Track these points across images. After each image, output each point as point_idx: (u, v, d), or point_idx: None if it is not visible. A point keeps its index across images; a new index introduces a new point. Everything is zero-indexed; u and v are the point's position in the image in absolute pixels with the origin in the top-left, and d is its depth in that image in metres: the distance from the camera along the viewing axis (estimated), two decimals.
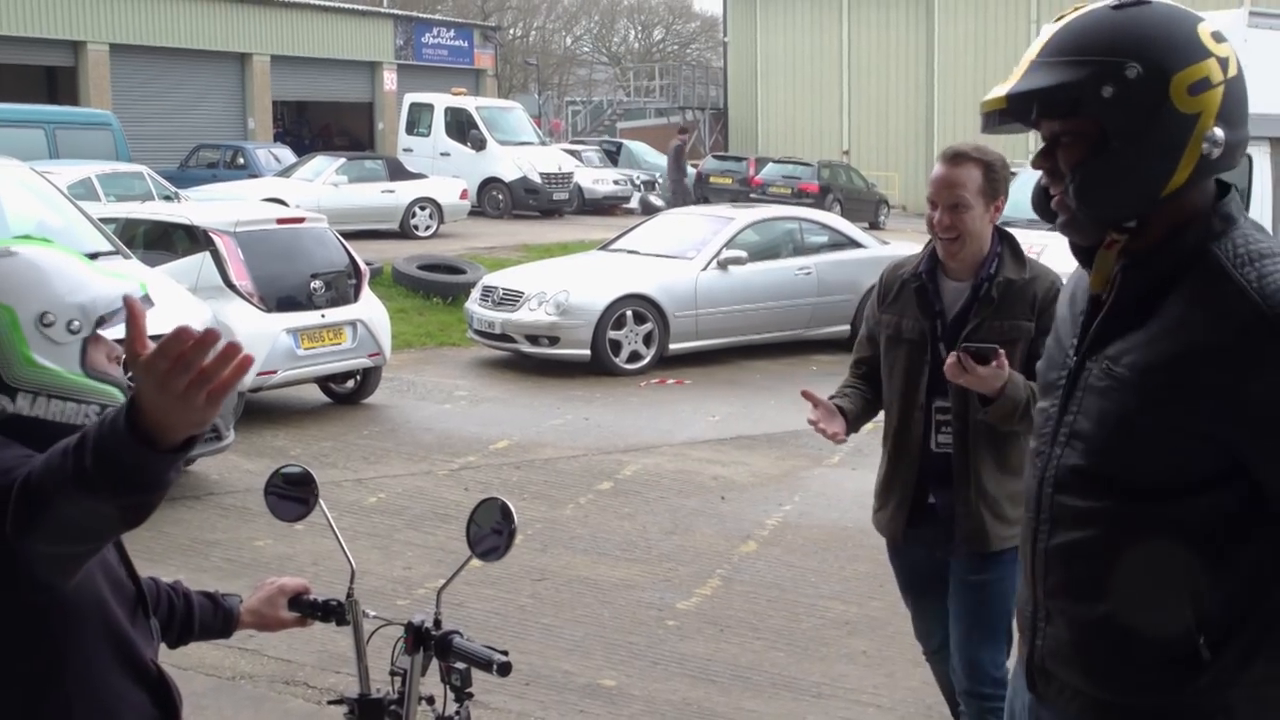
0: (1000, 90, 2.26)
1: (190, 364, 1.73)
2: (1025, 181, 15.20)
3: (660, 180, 36.79)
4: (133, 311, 1.84)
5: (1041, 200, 2.36)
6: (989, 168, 4.06)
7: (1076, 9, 2.29)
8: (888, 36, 43.21)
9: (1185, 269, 2.22)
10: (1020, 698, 2.55)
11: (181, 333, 1.72)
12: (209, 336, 1.73)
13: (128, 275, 2.38)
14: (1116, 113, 2.18)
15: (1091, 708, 2.35)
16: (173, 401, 1.74)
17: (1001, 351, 3.71)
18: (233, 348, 1.75)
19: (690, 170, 30.18)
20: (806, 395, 4.04)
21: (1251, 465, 2.16)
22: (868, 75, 44.14)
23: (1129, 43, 2.19)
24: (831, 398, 4.22)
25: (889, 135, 43.67)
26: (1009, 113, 2.26)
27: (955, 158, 4.05)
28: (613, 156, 40.32)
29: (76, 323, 2.24)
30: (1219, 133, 2.19)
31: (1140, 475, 2.24)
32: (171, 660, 5.28)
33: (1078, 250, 2.38)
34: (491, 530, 2.71)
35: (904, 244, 18.69)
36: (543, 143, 34.83)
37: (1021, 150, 31.99)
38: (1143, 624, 2.26)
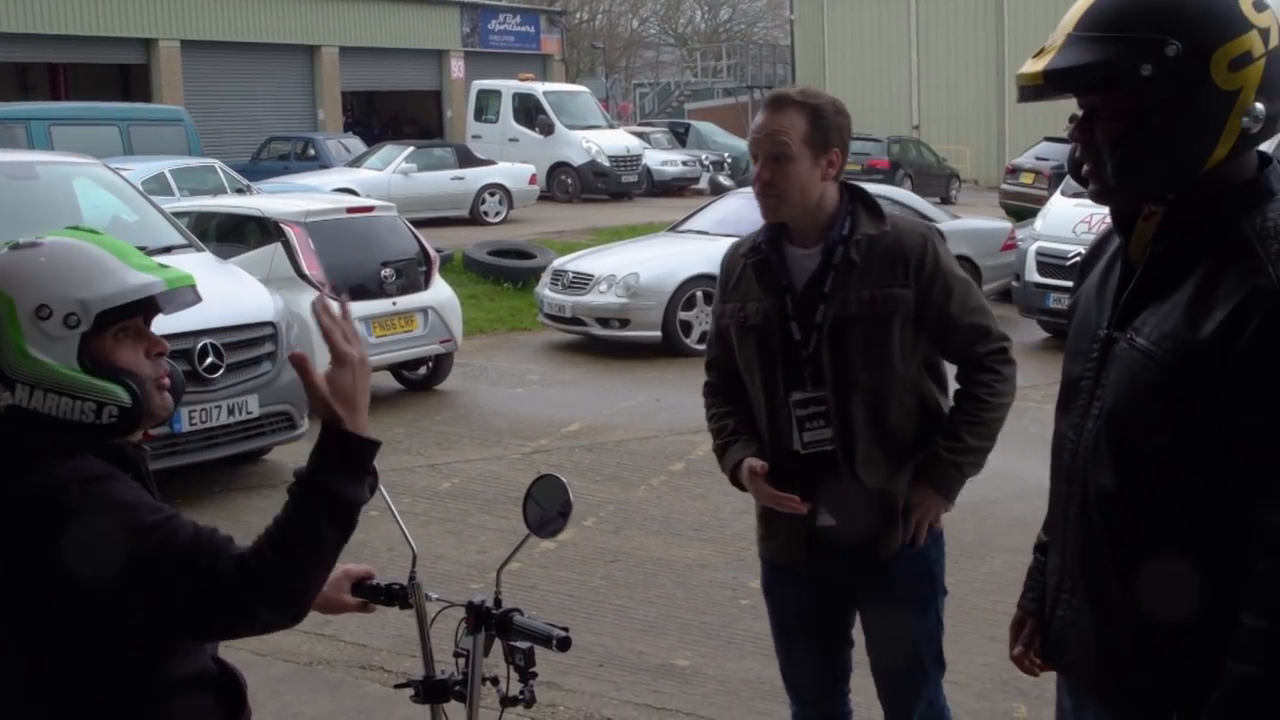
0: (1036, 65, 2.21)
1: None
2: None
3: (729, 159, 36.72)
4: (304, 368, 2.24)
5: (1077, 169, 2.35)
6: (816, 113, 3.40)
7: None
8: (956, 8, 42.80)
9: (1215, 241, 2.19)
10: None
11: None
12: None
13: (169, 270, 2.33)
14: (1155, 90, 2.14)
15: (1102, 681, 2.38)
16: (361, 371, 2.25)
17: None
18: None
19: None
20: (751, 467, 3.50)
21: (1226, 432, 2.13)
22: (936, 49, 43.73)
23: (1168, 18, 2.13)
24: (725, 438, 3.63)
25: (959, 109, 43.27)
26: (1046, 88, 2.22)
27: (776, 102, 3.43)
28: (681, 138, 40.26)
29: (75, 317, 2.22)
30: (1260, 107, 2.15)
31: (1160, 447, 2.21)
32: (249, 646, 5.35)
33: (1118, 217, 2.37)
34: (547, 507, 2.72)
35: (976, 218, 18.53)
36: (610, 126, 34.86)
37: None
38: (1160, 601, 2.22)
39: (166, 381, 2.34)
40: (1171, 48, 2.11)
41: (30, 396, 2.22)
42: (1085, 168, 2.29)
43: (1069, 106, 2.35)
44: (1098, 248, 2.55)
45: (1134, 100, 2.17)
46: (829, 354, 3.44)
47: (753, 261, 3.55)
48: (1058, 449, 2.46)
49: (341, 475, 2.18)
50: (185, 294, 2.35)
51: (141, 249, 2.43)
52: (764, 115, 3.44)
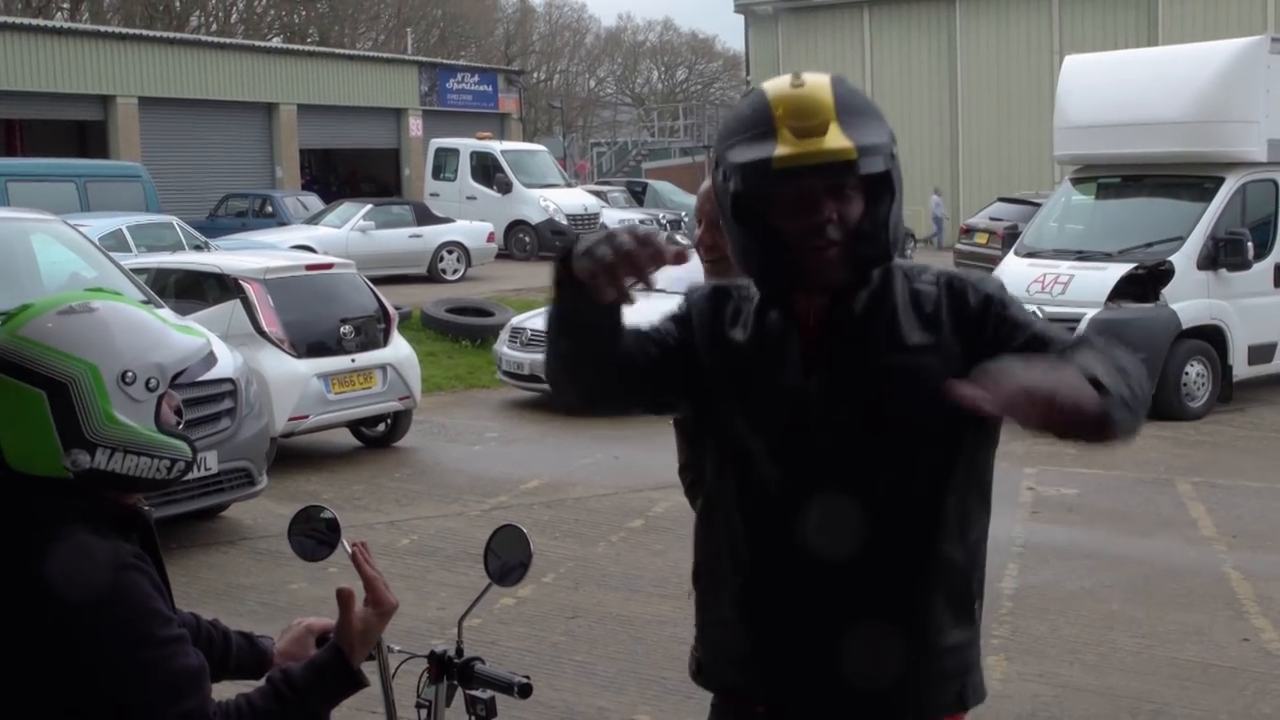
0: (838, 142, 2.29)
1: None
2: (1049, 212, 14.92)
3: (685, 219, 36.92)
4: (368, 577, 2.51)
5: (775, 259, 2.41)
6: None
7: (796, 74, 2.41)
8: (910, 71, 43.31)
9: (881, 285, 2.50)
10: None
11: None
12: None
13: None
14: (897, 167, 2.37)
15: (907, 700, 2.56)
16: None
17: None
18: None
19: None
20: None
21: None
22: (890, 110, 43.81)
23: (880, 110, 2.41)
24: None
25: (912, 169, 43.54)
26: (845, 165, 2.30)
27: None
28: (639, 196, 40.47)
29: (154, 380, 2.30)
30: None
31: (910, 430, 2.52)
32: None
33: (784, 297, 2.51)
34: (508, 557, 2.75)
35: None
36: (568, 184, 35.01)
37: (1047, 177, 31.93)
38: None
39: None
40: (890, 128, 2.39)
41: (110, 459, 2.26)
42: (835, 246, 2.37)
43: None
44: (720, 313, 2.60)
45: (860, 180, 2.35)
46: None
47: None
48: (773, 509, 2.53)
49: (328, 700, 2.40)
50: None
51: None
52: (710, 180, 3.47)
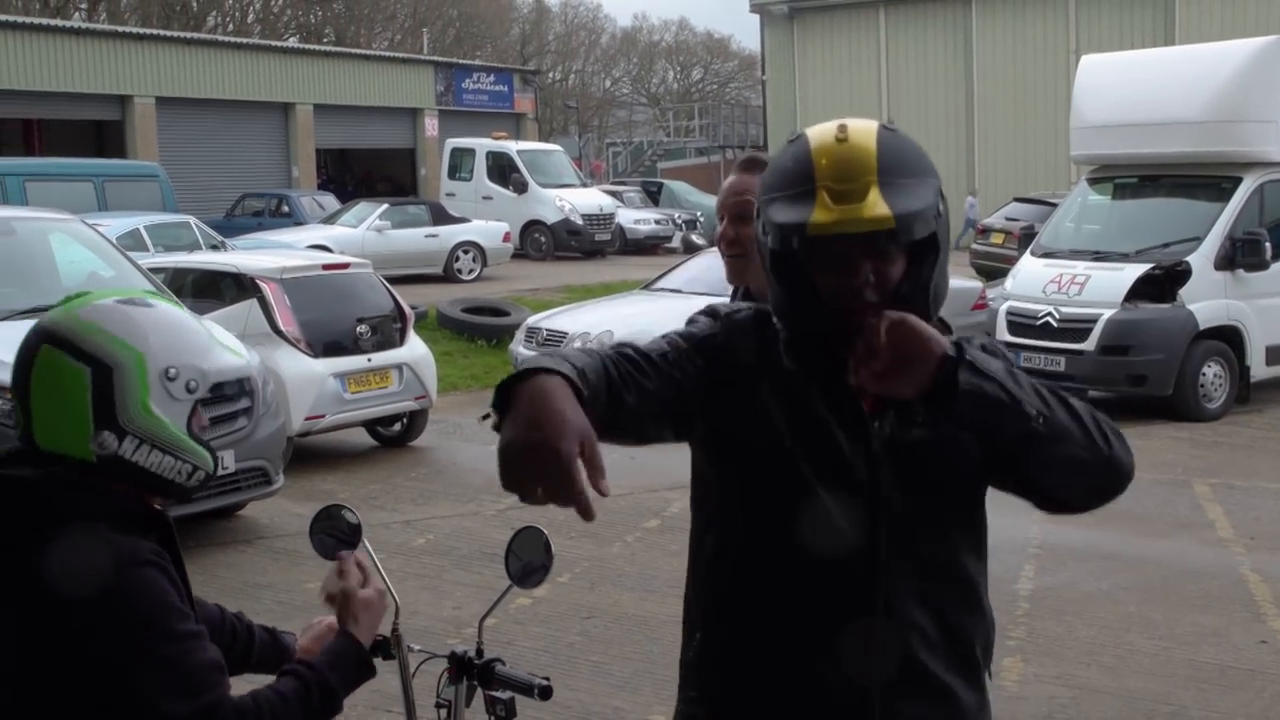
0: (877, 210, 2.18)
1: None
2: (1066, 212, 14.85)
3: (701, 218, 36.93)
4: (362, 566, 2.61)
5: (811, 318, 2.33)
6: None
7: (841, 126, 2.28)
8: (925, 71, 43.25)
9: None
10: None
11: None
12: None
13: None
14: (943, 225, 2.27)
15: None
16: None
17: None
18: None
19: None
20: None
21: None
22: (906, 110, 44.10)
23: (929, 163, 2.30)
24: None
25: None
26: (883, 234, 2.20)
27: (748, 163, 3.41)
28: (654, 196, 40.47)
29: (195, 383, 2.35)
30: None
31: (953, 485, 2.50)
32: None
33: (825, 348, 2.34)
34: (528, 559, 2.76)
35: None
36: (584, 184, 35.02)
37: (1064, 179, 31.87)
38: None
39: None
40: (938, 181, 2.29)
41: (136, 449, 2.30)
42: (872, 307, 2.23)
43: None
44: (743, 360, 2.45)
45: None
46: None
47: None
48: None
49: (345, 680, 2.47)
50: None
51: None
52: (735, 175, 3.45)
